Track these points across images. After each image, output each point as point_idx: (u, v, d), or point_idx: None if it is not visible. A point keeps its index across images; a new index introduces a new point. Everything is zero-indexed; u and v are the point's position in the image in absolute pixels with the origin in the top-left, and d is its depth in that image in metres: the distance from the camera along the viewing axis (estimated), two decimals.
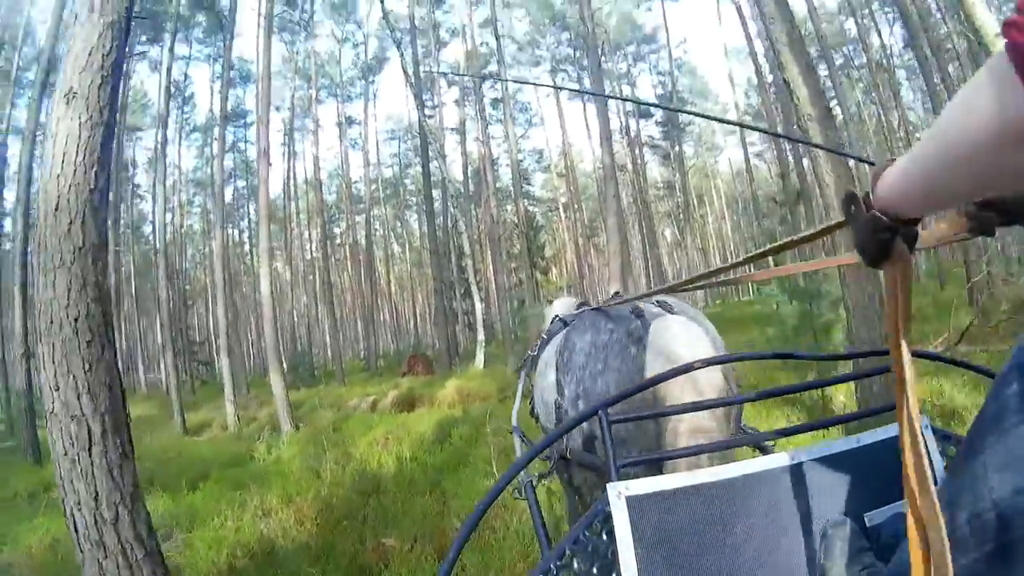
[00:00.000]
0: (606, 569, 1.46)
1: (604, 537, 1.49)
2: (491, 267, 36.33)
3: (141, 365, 47.87)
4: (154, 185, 46.10)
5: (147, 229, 47.86)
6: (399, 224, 61.98)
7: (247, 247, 53.68)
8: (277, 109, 41.86)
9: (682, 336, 2.56)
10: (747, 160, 47.10)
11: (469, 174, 39.00)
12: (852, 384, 7.89)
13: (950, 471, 1.20)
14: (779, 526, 1.53)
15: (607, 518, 1.47)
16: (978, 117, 0.69)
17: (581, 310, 3.73)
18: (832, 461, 1.62)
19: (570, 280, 45.76)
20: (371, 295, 40.68)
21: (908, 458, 0.98)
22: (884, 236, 0.96)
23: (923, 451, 0.95)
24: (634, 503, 1.45)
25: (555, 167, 54.99)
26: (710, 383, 2.42)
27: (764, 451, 2.10)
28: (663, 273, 44.98)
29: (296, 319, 46.03)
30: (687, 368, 1.84)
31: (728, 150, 63.06)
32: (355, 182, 52.12)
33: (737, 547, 1.48)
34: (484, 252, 39.24)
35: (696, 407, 1.95)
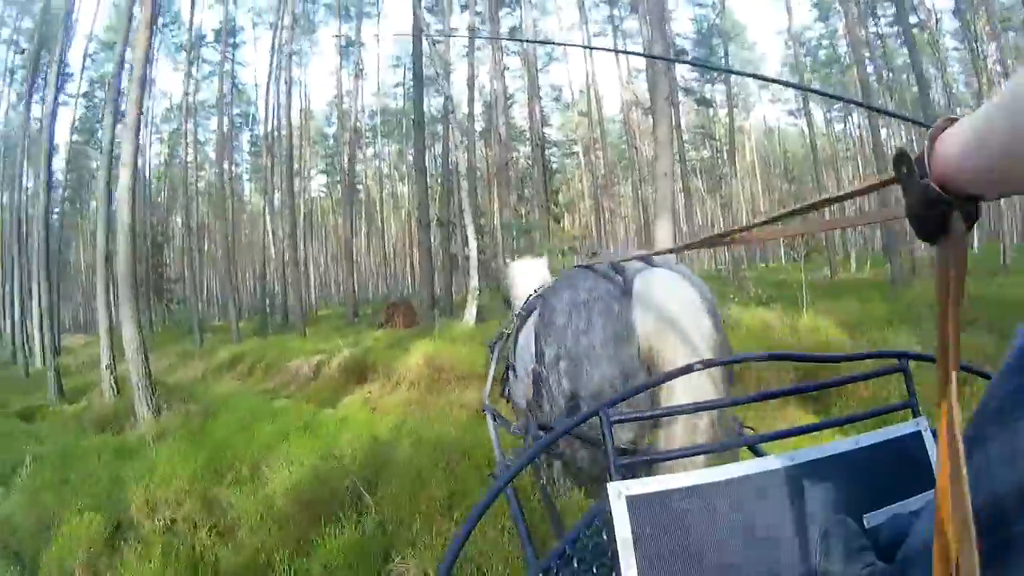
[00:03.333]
0: (606, 568, 1.43)
1: (604, 536, 1.46)
2: (496, 210, 31.96)
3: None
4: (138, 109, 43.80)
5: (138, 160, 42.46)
6: (403, 163, 55.40)
7: (245, 181, 48.64)
8: (268, 26, 38.28)
9: (669, 286, 2.51)
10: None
11: (479, 110, 35.49)
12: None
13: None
14: (779, 526, 1.51)
15: (607, 517, 1.43)
16: None
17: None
18: (832, 462, 1.61)
19: (585, 231, 40.22)
20: (349, 232, 34.50)
21: (944, 466, 0.85)
22: (940, 209, 0.84)
23: (961, 464, 0.83)
24: (634, 503, 1.42)
25: (575, 106, 49.45)
26: (703, 338, 2.37)
27: (757, 453, 2.01)
28: (693, 229, 39.56)
29: (268, 258, 40.66)
30: (687, 369, 1.76)
31: (760, 107, 57.22)
32: (359, 112, 46.42)
33: (737, 547, 1.45)
34: (491, 191, 35.40)
35: (696, 408, 1.97)
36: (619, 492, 1.42)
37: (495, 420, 3.79)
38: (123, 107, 40.97)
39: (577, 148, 52.23)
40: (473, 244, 19.00)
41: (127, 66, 11.48)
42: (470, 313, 18.64)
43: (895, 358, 1.87)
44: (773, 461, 1.56)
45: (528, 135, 37.60)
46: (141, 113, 11.82)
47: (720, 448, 1.91)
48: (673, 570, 1.39)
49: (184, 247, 34.80)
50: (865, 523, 1.55)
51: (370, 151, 55.94)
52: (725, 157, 44.62)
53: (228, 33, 38.96)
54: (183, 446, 7.50)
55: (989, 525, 0.89)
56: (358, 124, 46.30)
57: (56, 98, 33.73)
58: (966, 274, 0.86)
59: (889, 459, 1.62)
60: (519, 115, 41.94)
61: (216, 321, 41.98)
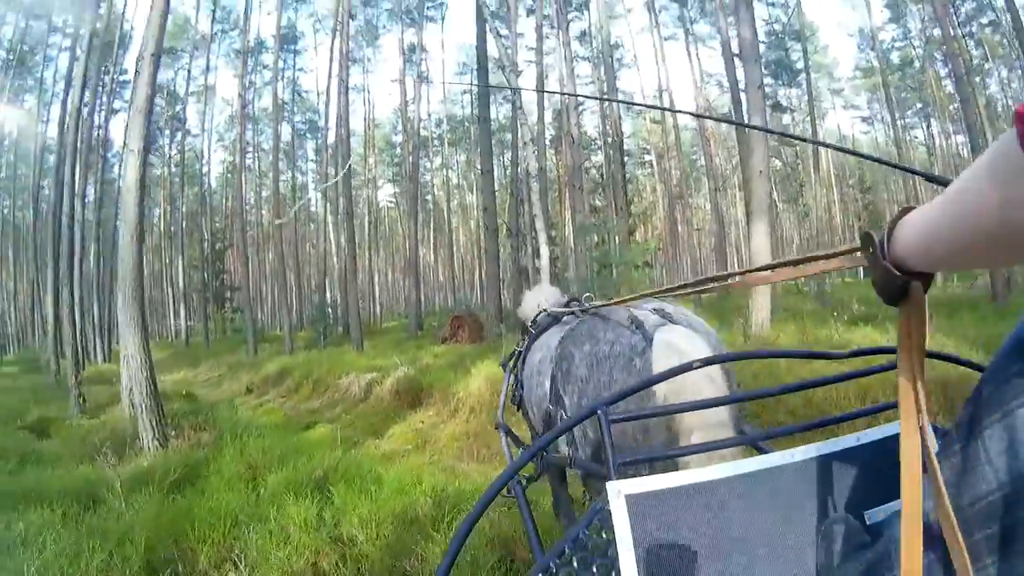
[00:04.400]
0: (605, 568, 1.41)
1: (603, 536, 1.43)
2: (568, 220, 30.70)
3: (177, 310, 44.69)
4: (203, 119, 43.71)
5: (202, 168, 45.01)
6: (472, 172, 53.46)
7: (311, 191, 47.85)
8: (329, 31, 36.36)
9: (685, 348, 2.47)
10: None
11: (548, 118, 33.90)
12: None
13: (941, 456, 1.10)
14: (778, 524, 1.48)
15: (607, 517, 1.41)
16: (991, 197, 0.74)
17: (571, 309, 3.58)
18: (832, 459, 1.57)
19: (661, 242, 38.10)
20: (415, 241, 32.42)
21: (906, 489, 1.00)
22: (900, 282, 0.98)
23: (919, 484, 0.97)
24: (634, 502, 1.41)
25: (647, 113, 47.23)
26: (712, 383, 2.40)
27: (760, 450, 1.94)
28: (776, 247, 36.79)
29: (329, 267, 39.25)
30: (686, 368, 1.76)
31: (834, 114, 54.56)
32: (422, 120, 44.94)
33: (737, 545, 1.44)
34: (562, 200, 34.65)
35: (695, 407, 1.96)
36: (618, 491, 1.39)
37: (508, 437, 3.88)
38: (181, 114, 41.22)
39: (650, 156, 50.31)
40: (545, 252, 16.79)
41: (151, 50, 9.55)
42: None
43: (892, 354, 1.54)
44: (773, 459, 1.53)
45: (599, 142, 35.99)
46: (154, 95, 10.13)
47: (720, 446, 1.88)
48: (673, 568, 1.38)
49: (246, 254, 33.70)
50: (866, 520, 1.49)
51: (438, 160, 54.76)
52: (802, 165, 41.87)
53: (287, 40, 38.90)
54: (149, 507, 5.64)
55: (995, 511, 0.92)
56: (423, 131, 45.02)
57: (111, 104, 33.69)
58: (925, 329, 1.00)
59: (890, 455, 1.33)
60: (589, 123, 40.57)
61: (278, 331, 40.55)
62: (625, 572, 1.34)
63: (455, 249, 55.17)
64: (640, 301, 2.76)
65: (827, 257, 1.21)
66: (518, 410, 3.97)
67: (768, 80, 38.62)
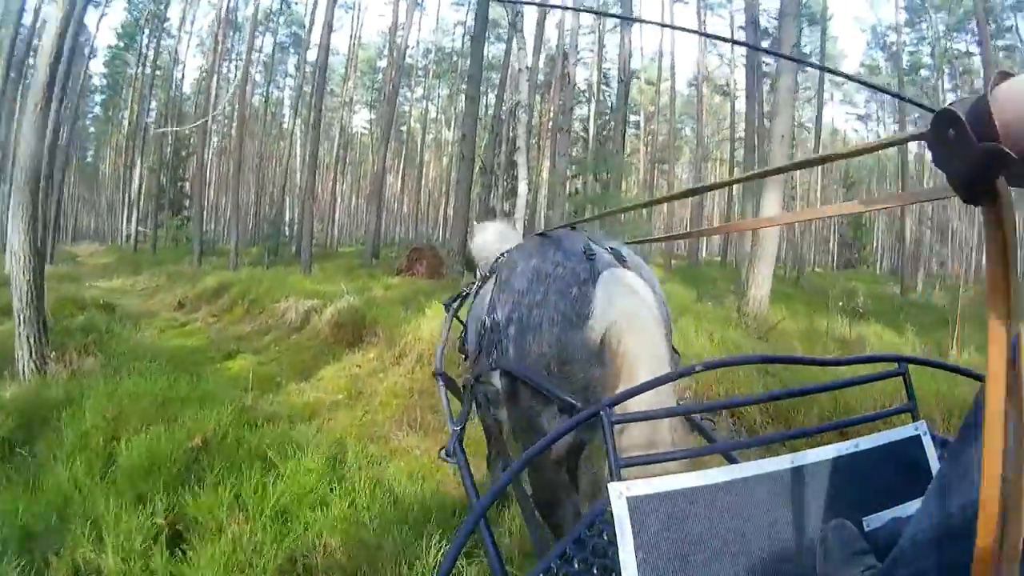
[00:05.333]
0: (607, 568, 1.44)
1: (605, 537, 1.48)
2: (547, 166, 29.38)
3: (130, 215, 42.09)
4: (184, 20, 41.32)
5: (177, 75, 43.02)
6: (453, 107, 51.65)
7: (286, 107, 47.03)
8: None
9: (633, 292, 2.45)
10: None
11: (541, 63, 32.66)
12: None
13: (946, 461, 1.18)
14: (779, 528, 1.51)
15: (608, 518, 1.43)
16: None
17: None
18: (831, 465, 1.61)
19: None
20: (382, 167, 30.35)
21: (992, 457, 0.84)
22: (992, 172, 0.79)
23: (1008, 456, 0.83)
24: (635, 503, 1.40)
25: (643, 72, 44.98)
26: (662, 339, 2.36)
27: (731, 460, 1.94)
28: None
29: (293, 185, 37.38)
30: (689, 370, 1.77)
31: (831, 106, 53.37)
32: (410, 48, 42.94)
33: (737, 548, 1.45)
34: (540, 148, 33.96)
35: (697, 408, 2.20)
36: (620, 493, 1.39)
37: (446, 386, 3.73)
38: (163, 12, 39.04)
39: (636, 117, 48.39)
40: (523, 189, 15.19)
41: None
42: None
43: (894, 362, 1.86)
44: (773, 464, 1.54)
45: (587, 94, 34.46)
46: None
47: (725, 448, 1.95)
48: (674, 570, 1.38)
49: (203, 160, 31.85)
50: (864, 526, 1.54)
51: (419, 91, 52.39)
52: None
53: None
54: None
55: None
56: (409, 59, 42.87)
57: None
58: (1015, 233, 0.81)
59: (889, 463, 1.62)
60: (579, 77, 38.43)
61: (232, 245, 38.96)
62: (626, 573, 1.32)
63: (424, 183, 53.49)
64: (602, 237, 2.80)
65: (890, 144, 1.07)
66: (464, 359, 3.82)
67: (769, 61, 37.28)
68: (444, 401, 3.67)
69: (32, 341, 7.09)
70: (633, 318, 2.33)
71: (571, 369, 2.46)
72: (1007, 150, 0.73)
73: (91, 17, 34.80)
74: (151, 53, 40.19)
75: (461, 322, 3.99)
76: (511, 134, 23.36)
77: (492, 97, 33.67)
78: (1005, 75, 0.77)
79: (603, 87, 38.15)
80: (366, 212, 46.96)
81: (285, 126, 46.59)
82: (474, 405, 3.41)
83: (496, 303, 2.84)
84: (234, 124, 38.15)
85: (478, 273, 4.04)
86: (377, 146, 40.44)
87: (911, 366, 1.85)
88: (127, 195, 42.60)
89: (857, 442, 1.63)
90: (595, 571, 1.41)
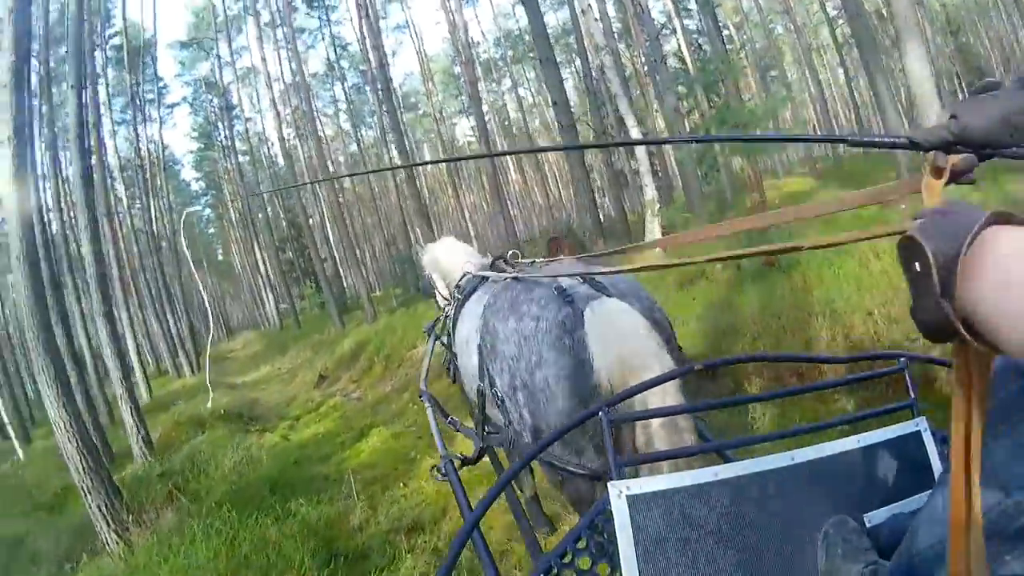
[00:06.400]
0: (607, 567, 1.45)
1: (605, 536, 1.48)
2: (656, 111, 25.17)
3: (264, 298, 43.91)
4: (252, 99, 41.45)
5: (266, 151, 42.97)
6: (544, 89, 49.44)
7: (384, 149, 44.56)
8: None
9: (622, 321, 2.38)
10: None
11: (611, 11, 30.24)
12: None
13: (946, 465, 1.15)
14: (780, 525, 1.49)
15: (608, 517, 1.42)
16: None
17: (493, 272, 3.42)
18: (833, 461, 1.59)
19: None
20: (492, 171, 27.84)
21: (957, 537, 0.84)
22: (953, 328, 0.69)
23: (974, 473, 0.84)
24: (635, 502, 1.40)
25: None
26: (663, 366, 2.23)
27: (726, 459, 1.94)
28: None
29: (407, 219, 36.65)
30: (688, 369, 1.79)
31: None
32: (478, 44, 41.85)
33: (738, 546, 1.43)
34: (647, 95, 29.08)
35: (697, 407, 2.11)
36: (620, 492, 1.38)
37: (432, 407, 3.76)
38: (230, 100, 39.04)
39: (727, 31, 43.83)
40: (635, 134, 13.32)
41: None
42: (653, 235, 12.79)
43: (894, 359, 1.85)
44: (774, 461, 1.52)
45: (670, 25, 31.95)
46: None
47: (725, 446, 1.94)
48: (674, 568, 1.36)
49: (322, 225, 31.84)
50: (866, 522, 1.53)
51: (507, 82, 50.50)
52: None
53: None
54: None
55: (1006, 518, 0.91)
56: (483, 54, 41.52)
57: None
58: (987, 387, 0.77)
59: (890, 459, 1.61)
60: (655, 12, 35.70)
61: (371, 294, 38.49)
62: (626, 572, 1.32)
63: (547, 169, 51.27)
64: (569, 267, 2.90)
65: (867, 239, 1.00)
66: (453, 382, 3.88)
67: None
68: (432, 421, 3.65)
69: (104, 509, 6.09)
70: (629, 358, 2.24)
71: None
72: (958, 326, 0.65)
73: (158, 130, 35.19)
74: (230, 142, 40.27)
75: (444, 344, 4.06)
76: (608, 89, 21.63)
77: (576, 66, 32.78)
78: (999, 217, 0.65)
79: (682, 12, 35.06)
80: (493, 218, 46.13)
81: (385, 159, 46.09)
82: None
83: (492, 375, 2.75)
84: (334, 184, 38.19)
85: (438, 295, 4.34)
86: (480, 148, 39.45)
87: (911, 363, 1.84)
88: (258, 279, 43.58)
89: (859, 438, 1.61)
90: (595, 570, 1.41)
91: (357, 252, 30.47)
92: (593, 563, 1.43)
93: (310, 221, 36.12)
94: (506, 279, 3.04)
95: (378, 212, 43.00)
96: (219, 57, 36.29)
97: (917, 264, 0.68)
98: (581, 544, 1.46)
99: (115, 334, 10.51)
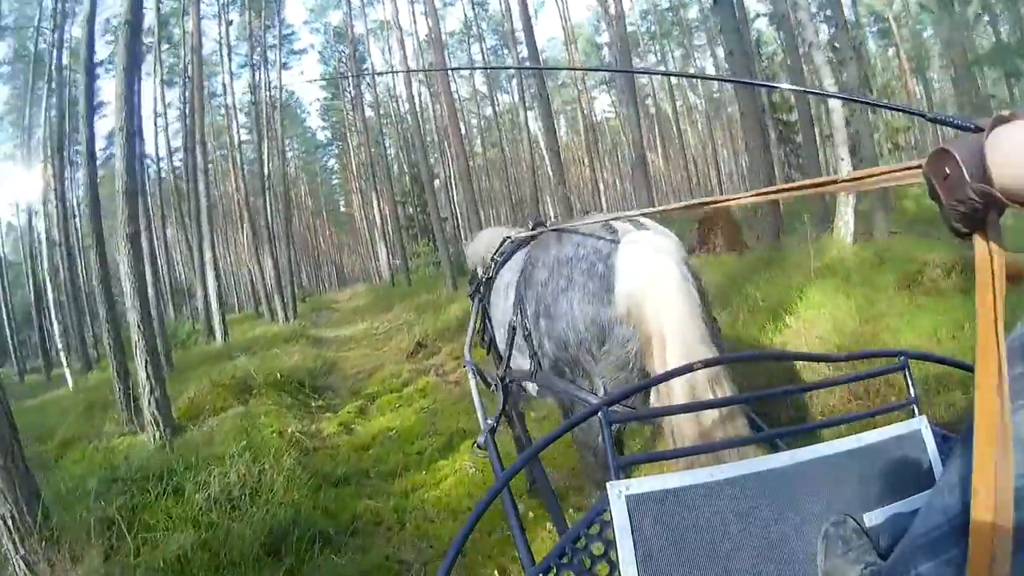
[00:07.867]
0: (606, 567, 1.42)
1: (605, 535, 1.45)
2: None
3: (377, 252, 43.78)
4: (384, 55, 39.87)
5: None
6: (689, 66, 46.92)
7: (523, 112, 42.62)
8: None
9: (651, 251, 2.41)
10: None
11: None
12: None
13: (958, 456, 1.13)
14: (780, 524, 1.48)
15: (607, 517, 1.42)
16: None
17: (539, 231, 3.37)
18: (833, 461, 1.58)
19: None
20: (638, 137, 25.02)
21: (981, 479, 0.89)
22: (983, 210, 0.85)
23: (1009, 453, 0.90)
24: (634, 502, 1.40)
25: None
26: (688, 299, 2.29)
27: (776, 448, 1.91)
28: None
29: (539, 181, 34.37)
30: (687, 368, 1.76)
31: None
32: (625, 15, 39.35)
33: (737, 545, 1.43)
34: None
35: (699, 406, 2.00)
36: (619, 492, 1.38)
37: (475, 376, 3.66)
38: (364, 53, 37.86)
39: (876, 26, 40.54)
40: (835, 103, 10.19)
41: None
42: (844, 221, 9.44)
43: (895, 357, 1.81)
44: (773, 460, 1.53)
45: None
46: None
47: (722, 446, 1.85)
48: (673, 569, 1.36)
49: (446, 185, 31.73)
50: (866, 521, 1.50)
51: (651, 58, 47.08)
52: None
53: None
54: None
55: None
56: (628, 27, 38.86)
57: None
58: (1004, 269, 0.86)
59: (890, 458, 1.59)
60: None
61: None
62: (625, 571, 1.32)
63: (687, 151, 47.90)
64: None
65: (886, 173, 1.05)
66: (487, 351, 3.81)
67: None
68: (475, 392, 3.51)
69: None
70: (654, 281, 2.27)
71: (609, 348, 2.38)
72: (997, 194, 0.78)
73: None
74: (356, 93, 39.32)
75: (483, 306, 3.87)
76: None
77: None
78: (1002, 119, 0.79)
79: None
80: (634, 195, 43.73)
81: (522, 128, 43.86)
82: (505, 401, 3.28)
83: (524, 303, 2.81)
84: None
85: (479, 272, 4.19)
86: (625, 127, 37.86)
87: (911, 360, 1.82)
88: (374, 232, 42.96)
89: (859, 437, 1.61)
90: (595, 570, 1.38)
91: (480, 214, 28.39)
92: (592, 563, 1.38)
93: (435, 182, 34.54)
94: (552, 229, 2.96)
95: (507, 178, 41.29)
96: (350, 5, 34.96)
97: (947, 168, 0.83)
98: (580, 544, 1.40)
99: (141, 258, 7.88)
